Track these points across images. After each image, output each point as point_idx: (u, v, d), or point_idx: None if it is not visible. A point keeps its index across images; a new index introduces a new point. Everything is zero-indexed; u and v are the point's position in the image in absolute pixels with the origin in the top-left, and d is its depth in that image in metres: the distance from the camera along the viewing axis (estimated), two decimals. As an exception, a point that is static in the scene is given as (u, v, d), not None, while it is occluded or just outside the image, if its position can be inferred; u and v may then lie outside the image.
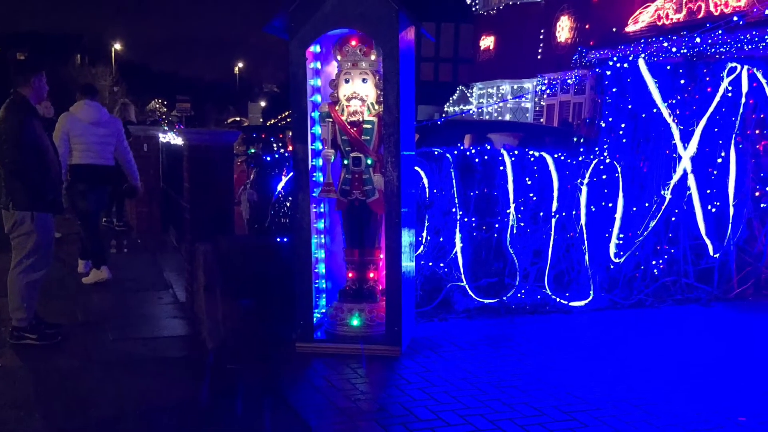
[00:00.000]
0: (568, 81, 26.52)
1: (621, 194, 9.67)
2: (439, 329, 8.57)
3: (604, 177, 9.67)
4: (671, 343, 8.28)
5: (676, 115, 9.84)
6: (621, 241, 9.73)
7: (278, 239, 8.77)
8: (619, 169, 9.68)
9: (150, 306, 9.83)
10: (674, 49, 11.19)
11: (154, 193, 15.35)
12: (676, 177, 9.83)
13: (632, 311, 9.55)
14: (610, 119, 9.97)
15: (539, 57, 33.23)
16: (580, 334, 8.61)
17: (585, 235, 9.58)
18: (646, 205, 9.84)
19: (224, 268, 8.19)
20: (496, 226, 9.43)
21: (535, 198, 9.52)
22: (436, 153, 9.34)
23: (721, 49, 11.50)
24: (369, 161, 7.67)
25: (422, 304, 8.94)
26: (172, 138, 14.08)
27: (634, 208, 9.79)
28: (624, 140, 9.85)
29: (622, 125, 9.85)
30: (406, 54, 7.49)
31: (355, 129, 7.64)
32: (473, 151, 9.50)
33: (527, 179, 9.48)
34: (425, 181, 9.14)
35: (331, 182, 7.64)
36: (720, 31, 11.76)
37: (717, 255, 10.12)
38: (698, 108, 9.90)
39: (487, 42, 39.12)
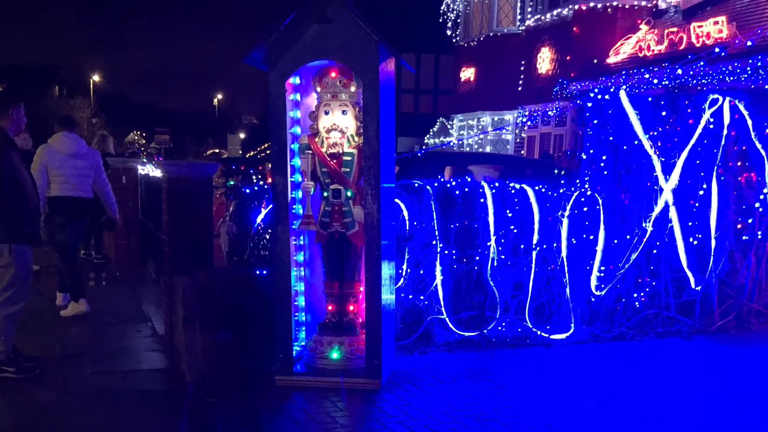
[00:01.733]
0: (549, 113, 26.68)
1: (602, 226, 9.66)
2: (420, 362, 8.51)
3: (585, 209, 9.65)
4: (652, 377, 8.25)
5: (658, 147, 9.85)
6: (602, 274, 9.71)
7: (258, 272, 8.72)
8: (600, 202, 9.67)
9: (129, 339, 9.73)
10: (656, 81, 11.25)
11: (132, 225, 15.29)
12: (657, 209, 9.83)
13: (613, 344, 9.51)
14: (591, 151, 9.97)
15: (520, 88, 33.33)
16: (560, 367, 8.57)
17: (566, 268, 9.56)
18: (628, 237, 9.83)
19: (203, 300, 8.12)
20: (477, 258, 9.41)
21: (515, 230, 9.50)
22: (416, 185, 9.31)
23: (703, 81, 11.57)
24: (349, 193, 7.63)
25: (402, 337, 8.89)
26: (151, 170, 14.03)
27: (616, 241, 9.77)
28: (605, 172, 9.84)
29: (603, 157, 9.85)
30: (386, 85, 7.47)
31: (334, 161, 7.61)
32: (453, 183, 9.49)
33: (508, 211, 9.47)
34: (405, 213, 9.11)
35: (311, 214, 7.61)
36: (702, 63, 11.83)
37: (699, 288, 10.10)
38: (680, 140, 9.92)
39: (468, 73, 39.19)
